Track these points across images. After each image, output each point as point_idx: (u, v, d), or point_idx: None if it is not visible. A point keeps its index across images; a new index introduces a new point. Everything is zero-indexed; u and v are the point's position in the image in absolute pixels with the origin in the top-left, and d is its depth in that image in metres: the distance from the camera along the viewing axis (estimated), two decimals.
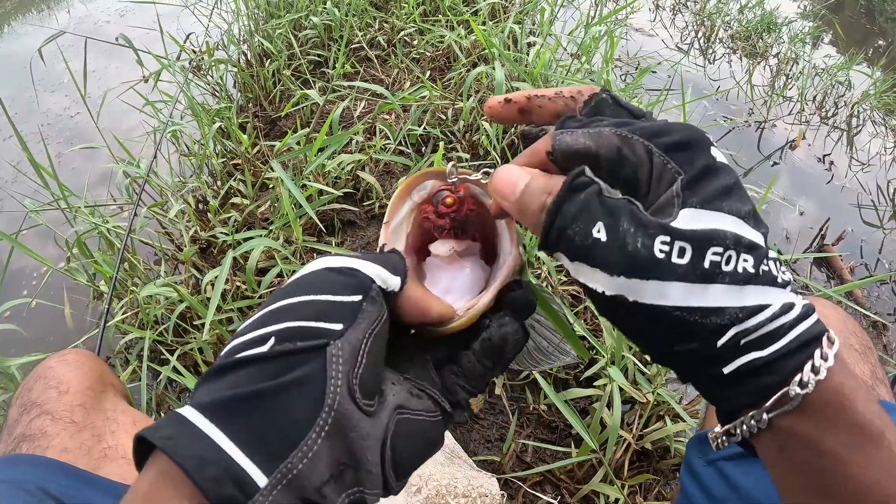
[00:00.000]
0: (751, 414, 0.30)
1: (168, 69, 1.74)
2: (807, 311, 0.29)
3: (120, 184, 1.64)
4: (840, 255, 2.04)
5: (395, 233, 0.38)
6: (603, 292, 0.29)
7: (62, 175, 1.58)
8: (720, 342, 0.28)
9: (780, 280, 0.29)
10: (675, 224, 0.27)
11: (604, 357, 1.24)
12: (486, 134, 1.60)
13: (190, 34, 2.50)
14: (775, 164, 2.47)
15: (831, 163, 2.56)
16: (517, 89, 1.76)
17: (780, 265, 0.29)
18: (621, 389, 1.12)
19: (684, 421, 1.13)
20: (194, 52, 2.42)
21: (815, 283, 1.98)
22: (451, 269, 0.38)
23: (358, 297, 0.29)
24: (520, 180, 0.31)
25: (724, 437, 0.32)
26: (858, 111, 2.83)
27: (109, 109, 1.88)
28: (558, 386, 1.26)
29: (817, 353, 0.28)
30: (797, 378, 0.28)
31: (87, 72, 1.68)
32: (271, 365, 0.27)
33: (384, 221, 0.38)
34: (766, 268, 0.28)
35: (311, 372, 0.27)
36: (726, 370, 0.29)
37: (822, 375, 0.27)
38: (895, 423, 0.29)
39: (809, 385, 0.27)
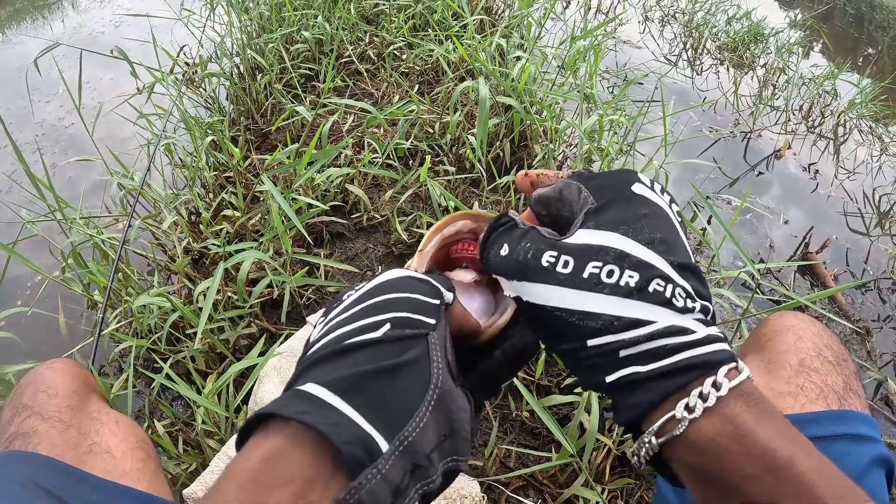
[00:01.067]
0: (642, 437, 0.32)
1: (162, 82, 1.77)
2: (707, 339, 0.31)
3: (114, 196, 1.67)
4: (824, 262, 2.07)
5: (423, 259, 0.46)
6: (509, 294, 0.36)
7: (57, 185, 1.61)
8: (591, 342, 0.32)
9: (677, 304, 0.31)
10: (565, 240, 0.34)
11: None
12: (471, 148, 1.64)
13: (183, 46, 2.53)
14: (761, 173, 2.51)
15: (817, 171, 2.60)
16: (503, 104, 1.81)
17: (685, 294, 0.32)
18: (600, 396, 1.14)
19: None
20: (187, 64, 2.46)
21: (799, 290, 2.02)
22: (468, 293, 0.44)
23: (437, 301, 0.35)
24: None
25: (634, 459, 0.34)
26: (845, 120, 2.88)
27: (105, 120, 1.91)
28: (540, 392, 1.29)
29: (709, 379, 0.30)
30: (683, 401, 0.30)
31: (81, 83, 1.71)
32: (386, 348, 0.31)
33: (419, 249, 0.46)
34: (658, 288, 0.31)
35: (418, 355, 0.32)
36: (608, 379, 0.32)
37: (711, 402, 0.29)
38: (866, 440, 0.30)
39: (696, 410, 0.29)
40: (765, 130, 2.73)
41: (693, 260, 0.34)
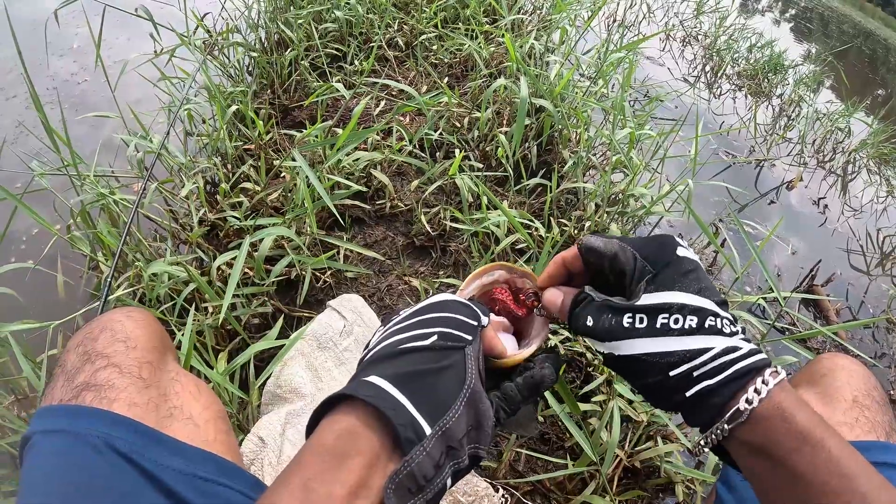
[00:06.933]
0: (716, 426, 0.41)
1: (188, 46, 1.73)
2: (751, 352, 0.41)
3: (131, 157, 1.62)
4: (828, 296, 2.09)
5: (462, 297, 0.54)
6: (601, 351, 0.45)
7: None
8: (673, 373, 0.41)
9: (725, 331, 0.41)
10: (636, 303, 0.43)
11: (602, 374, 1.26)
12: (501, 146, 1.62)
13: (206, 14, 2.48)
14: (772, 202, 2.52)
15: (825, 206, 2.62)
16: (536, 105, 1.79)
17: (729, 322, 0.42)
18: (619, 407, 1.14)
19: (678, 441, 1.15)
20: (208, 32, 2.41)
21: (803, 318, 2.03)
22: (499, 333, 0.53)
23: (475, 322, 0.44)
24: (558, 299, 0.49)
25: (699, 446, 0.44)
26: (855, 158, 2.90)
27: (119, 81, 1.86)
28: (558, 400, 1.27)
29: (759, 379, 0.40)
30: (744, 397, 0.40)
31: (101, 37, 1.66)
32: (432, 354, 0.40)
33: (460, 289, 0.55)
34: (711, 323, 0.41)
35: (456, 361, 0.40)
36: (688, 394, 0.42)
37: (764, 395, 0.39)
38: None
39: (754, 402, 0.39)
40: (778, 160, 2.75)
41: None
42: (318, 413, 0.37)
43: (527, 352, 0.50)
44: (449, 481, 0.37)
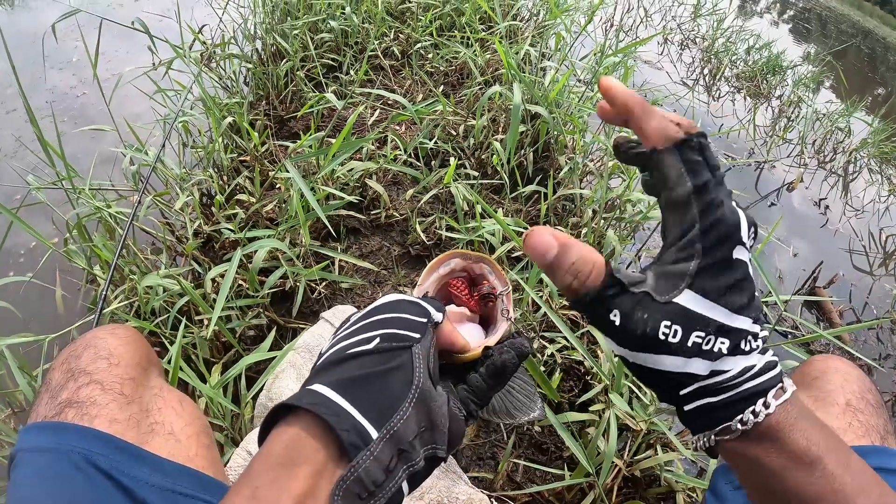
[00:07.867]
0: (704, 433, 0.40)
1: (184, 58, 1.73)
2: (765, 369, 0.38)
3: (126, 169, 1.63)
4: (831, 298, 2.07)
5: (420, 292, 0.53)
6: (613, 352, 0.40)
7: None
8: (682, 392, 0.38)
9: (746, 349, 0.37)
10: (675, 300, 0.37)
11: (600, 383, 1.25)
12: (496, 154, 1.61)
13: (203, 26, 2.49)
14: (772, 204, 2.51)
15: (826, 207, 2.61)
16: (529, 112, 1.78)
17: (757, 337, 0.38)
18: (616, 416, 1.12)
19: (676, 450, 1.13)
20: (204, 44, 2.42)
21: (805, 322, 2.01)
22: (461, 325, 0.52)
23: (425, 320, 0.43)
24: (549, 252, 0.38)
25: (692, 446, 0.41)
26: (856, 158, 2.89)
27: (116, 94, 1.87)
28: (555, 409, 1.26)
29: (760, 401, 0.37)
30: (738, 418, 0.37)
31: (98, 51, 1.67)
32: (376, 357, 0.39)
33: (418, 283, 0.53)
34: (739, 345, 0.37)
35: (403, 362, 0.39)
36: (687, 407, 0.39)
37: (760, 418, 0.36)
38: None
39: (749, 424, 0.37)
40: (778, 162, 2.74)
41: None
42: (267, 423, 0.37)
43: (491, 339, 0.49)
44: (405, 485, 0.36)
